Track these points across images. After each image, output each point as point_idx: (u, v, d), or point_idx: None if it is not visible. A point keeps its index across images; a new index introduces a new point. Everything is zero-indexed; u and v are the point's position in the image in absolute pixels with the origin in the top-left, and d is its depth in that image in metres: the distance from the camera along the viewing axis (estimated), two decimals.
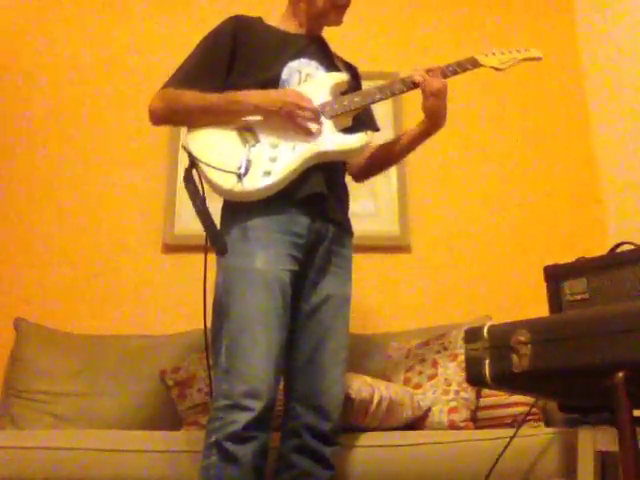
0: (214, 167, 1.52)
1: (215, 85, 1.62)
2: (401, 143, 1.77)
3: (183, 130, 2.45)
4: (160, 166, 2.67)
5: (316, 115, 1.58)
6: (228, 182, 1.51)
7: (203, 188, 1.53)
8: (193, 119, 1.62)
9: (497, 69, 1.74)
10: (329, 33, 1.86)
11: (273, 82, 1.64)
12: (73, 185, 2.64)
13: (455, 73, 1.69)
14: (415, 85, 1.67)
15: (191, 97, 1.60)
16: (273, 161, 1.54)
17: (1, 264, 2.53)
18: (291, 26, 1.78)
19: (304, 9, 1.76)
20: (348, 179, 1.83)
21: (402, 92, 1.70)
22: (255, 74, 1.64)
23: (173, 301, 2.52)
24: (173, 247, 2.58)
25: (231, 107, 1.58)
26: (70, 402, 2.12)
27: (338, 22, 1.78)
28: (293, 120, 1.56)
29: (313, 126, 1.57)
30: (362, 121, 1.76)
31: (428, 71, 1.65)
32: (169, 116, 1.67)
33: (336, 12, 1.75)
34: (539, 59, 1.80)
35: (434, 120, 1.67)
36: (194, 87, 1.60)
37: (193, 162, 1.54)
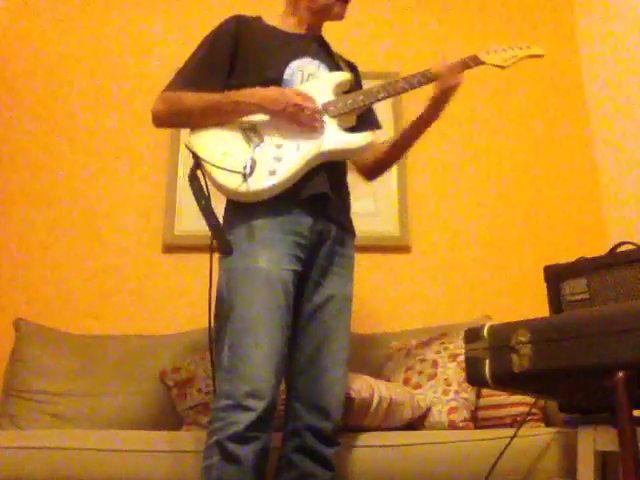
0: (219, 167, 1.51)
1: (217, 86, 1.62)
2: (402, 139, 1.78)
3: (184, 130, 2.44)
4: (160, 166, 2.66)
5: (319, 115, 1.58)
6: (233, 182, 1.51)
7: (207, 188, 1.53)
8: (195, 120, 1.62)
9: (500, 67, 1.74)
10: (330, 33, 1.86)
11: (275, 82, 1.63)
12: (73, 185, 2.64)
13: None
14: (429, 80, 1.67)
15: (193, 99, 1.60)
16: (278, 161, 1.54)
17: (1, 264, 2.53)
18: (291, 25, 1.78)
19: (305, 5, 1.75)
20: (354, 179, 1.82)
21: (405, 91, 1.70)
22: (257, 74, 1.64)
23: (173, 301, 2.52)
24: (173, 247, 2.58)
25: (234, 107, 1.58)
26: (70, 402, 2.12)
27: (341, 16, 1.76)
28: (297, 120, 1.57)
29: (316, 124, 1.58)
30: (365, 120, 1.76)
31: (451, 66, 1.67)
32: (171, 119, 1.67)
33: (340, 4, 1.74)
34: (540, 56, 1.80)
35: (437, 113, 1.70)
36: (196, 89, 1.60)
37: (198, 162, 1.54)
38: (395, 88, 1.68)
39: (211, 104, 1.59)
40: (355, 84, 1.79)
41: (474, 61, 1.72)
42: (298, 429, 1.53)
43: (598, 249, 1.82)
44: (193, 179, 1.51)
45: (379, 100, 1.69)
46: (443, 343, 2.11)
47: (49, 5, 2.83)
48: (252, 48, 1.68)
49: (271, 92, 1.58)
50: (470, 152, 2.83)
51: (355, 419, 1.75)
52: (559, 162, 2.85)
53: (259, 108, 1.57)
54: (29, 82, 2.74)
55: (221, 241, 1.48)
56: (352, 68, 1.85)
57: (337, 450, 1.57)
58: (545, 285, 1.66)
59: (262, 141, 1.57)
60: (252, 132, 1.58)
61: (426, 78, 1.67)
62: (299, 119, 1.56)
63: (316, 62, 1.72)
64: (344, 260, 1.66)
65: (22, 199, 2.61)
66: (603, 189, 2.79)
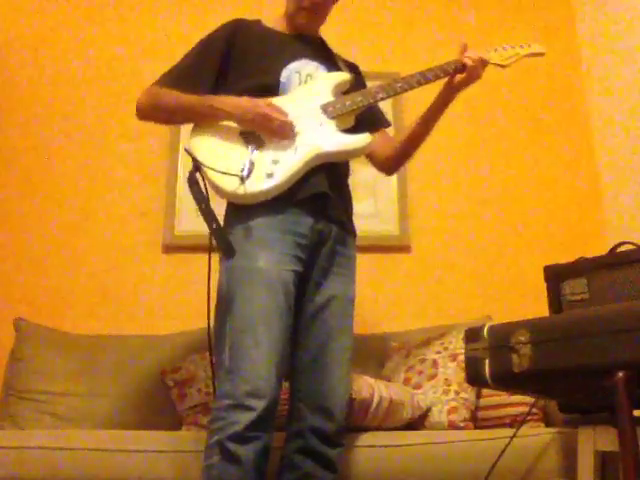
0: (217, 170, 1.52)
1: (201, 88, 1.64)
2: (419, 126, 1.76)
3: (184, 131, 2.45)
4: (160, 167, 2.66)
5: (289, 127, 1.58)
6: (231, 185, 1.51)
7: (207, 191, 1.53)
8: (173, 118, 1.71)
9: (501, 66, 1.74)
10: (330, 33, 1.86)
11: (272, 85, 1.64)
12: (73, 185, 2.64)
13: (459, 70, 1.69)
14: (446, 73, 1.68)
15: (172, 97, 1.63)
16: (275, 163, 1.54)
17: (1, 264, 2.53)
18: (287, 27, 1.78)
19: (288, 10, 1.77)
20: (353, 179, 1.82)
21: (404, 91, 1.69)
22: (254, 77, 1.65)
23: (173, 301, 2.52)
24: (173, 247, 2.58)
25: (208, 111, 1.60)
26: (70, 402, 2.12)
27: (311, 23, 1.77)
28: (265, 131, 1.57)
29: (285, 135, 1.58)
30: (366, 120, 1.75)
31: (482, 58, 1.68)
32: (152, 112, 1.70)
33: (307, 13, 1.73)
34: (542, 54, 1.79)
35: (449, 102, 1.71)
36: (181, 87, 1.62)
37: (197, 165, 1.54)
38: (394, 88, 1.67)
39: (186, 106, 1.62)
40: (358, 84, 1.79)
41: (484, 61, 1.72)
42: (302, 430, 1.53)
43: (598, 249, 1.82)
44: (192, 183, 1.51)
45: (377, 101, 1.68)
46: (443, 343, 2.11)
47: (50, 6, 2.83)
48: (249, 51, 1.69)
49: (244, 102, 1.59)
50: (470, 152, 2.83)
51: (355, 419, 1.75)
52: (559, 162, 2.85)
53: (229, 115, 1.59)
54: (29, 83, 2.74)
55: (223, 243, 1.48)
56: (353, 68, 1.85)
57: (340, 451, 1.57)
58: (545, 285, 1.66)
59: (260, 144, 1.57)
60: (251, 135, 1.58)
61: (444, 71, 1.68)
62: (267, 129, 1.56)
63: (314, 63, 1.71)
64: (345, 260, 1.66)
65: (22, 199, 2.61)
66: (603, 189, 2.79)
